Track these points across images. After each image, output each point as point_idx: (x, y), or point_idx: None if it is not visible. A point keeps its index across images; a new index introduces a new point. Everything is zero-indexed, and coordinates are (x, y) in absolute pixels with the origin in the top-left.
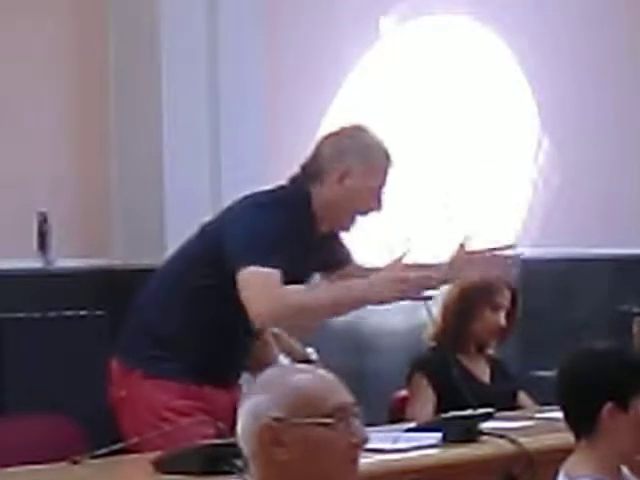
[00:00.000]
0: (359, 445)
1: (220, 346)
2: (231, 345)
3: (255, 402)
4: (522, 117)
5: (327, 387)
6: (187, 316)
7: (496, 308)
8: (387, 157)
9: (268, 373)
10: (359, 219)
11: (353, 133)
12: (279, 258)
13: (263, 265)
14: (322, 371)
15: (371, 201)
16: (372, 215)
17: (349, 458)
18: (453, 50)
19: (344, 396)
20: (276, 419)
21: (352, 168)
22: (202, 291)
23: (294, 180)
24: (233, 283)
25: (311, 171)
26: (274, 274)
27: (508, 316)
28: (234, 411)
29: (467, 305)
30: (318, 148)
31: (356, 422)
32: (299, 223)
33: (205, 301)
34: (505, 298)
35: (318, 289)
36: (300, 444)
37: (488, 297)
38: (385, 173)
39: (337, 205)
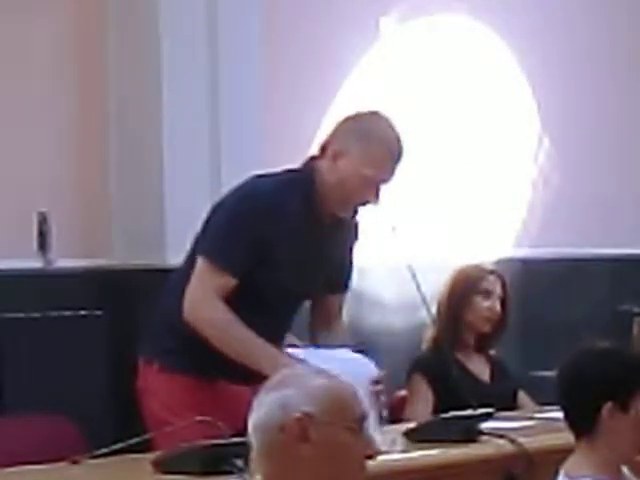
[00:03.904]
0: (373, 457)
1: None
2: None
3: (284, 394)
4: (522, 117)
5: (355, 395)
6: None
7: (485, 294)
8: (394, 151)
9: (294, 369)
10: (358, 208)
11: (366, 118)
12: (240, 263)
13: (222, 265)
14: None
15: (364, 191)
16: (369, 207)
17: (362, 467)
18: (453, 50)
19: (365, 407)
20: (307, 414)
21: (349, 150)
22: None
23: (307, 160)
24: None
25: (320, 149)
26: (224, 280)
27: (502, 305)
28: None
29: (457, 297)
30: (332, 128)
31: (369, 434)
32: (295, 213)
33: None
34: (490, 283)
35: (241, 330)
36: (324, 444)
37: (473, 285)
38: (387, 167)
39: (330, 186)
